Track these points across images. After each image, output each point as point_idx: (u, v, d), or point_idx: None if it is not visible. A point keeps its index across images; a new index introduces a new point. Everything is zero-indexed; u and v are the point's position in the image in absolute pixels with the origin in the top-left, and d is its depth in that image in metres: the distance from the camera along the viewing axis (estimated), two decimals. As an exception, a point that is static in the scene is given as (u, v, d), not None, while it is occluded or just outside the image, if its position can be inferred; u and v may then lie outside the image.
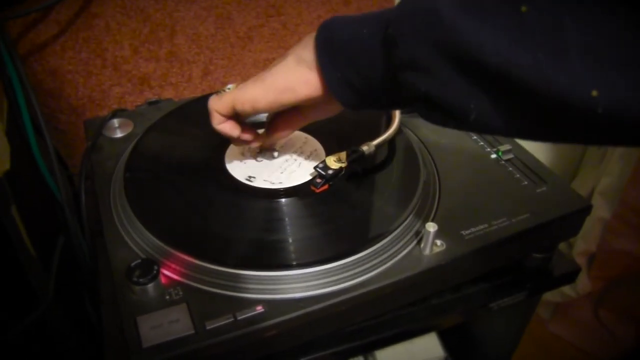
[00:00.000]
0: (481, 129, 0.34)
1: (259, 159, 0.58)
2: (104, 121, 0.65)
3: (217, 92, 0.50)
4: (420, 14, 0.33)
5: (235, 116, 0.50)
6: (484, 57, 0.30)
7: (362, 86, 0.41)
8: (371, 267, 0.47)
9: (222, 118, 0.50)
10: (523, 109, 0.31)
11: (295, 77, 0.44)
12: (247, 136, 0.53)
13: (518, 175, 0.58)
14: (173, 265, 0.46)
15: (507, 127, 0.33)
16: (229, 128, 0.51)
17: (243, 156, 0.58)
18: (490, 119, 0.33)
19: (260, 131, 0.55)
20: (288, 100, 0.45)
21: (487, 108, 0.32)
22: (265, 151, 0.58)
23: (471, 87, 0.32)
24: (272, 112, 0.52)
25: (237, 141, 0.54)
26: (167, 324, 0.42)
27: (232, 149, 0.59)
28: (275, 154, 0.58)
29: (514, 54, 0.29)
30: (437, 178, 0.57)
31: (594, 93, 0.26)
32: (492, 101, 0.32)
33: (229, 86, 0.51)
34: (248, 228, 0.50)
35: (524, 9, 0.28)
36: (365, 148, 0.56)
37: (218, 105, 0.49)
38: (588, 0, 0.27)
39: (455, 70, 0.32)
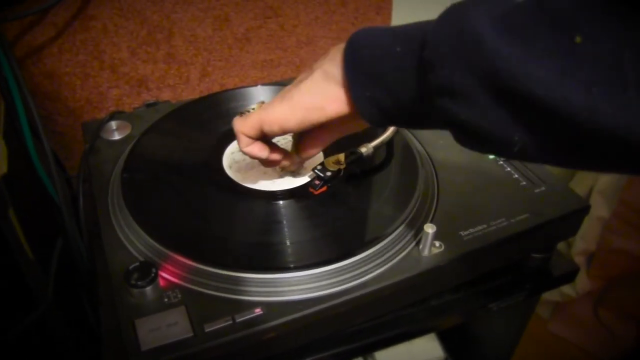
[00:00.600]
0: (523, 159, 0.32)
1: (295, 176, 0.57)
2: (102, 123, 0.65)
3: (240, 114, 0.49)
4: (460, 37, 0.30)
5: (263, 137, 0.48)
6: (531, 90, 0.28)
7: (391, 106, 0.38)
8: (370, 268, 0.47)
9: (250, 140, 0.48)
10: (572, 144, 0.29)
11: (323, 94, 0.42)
12: (276, 156, 0.51)
13: (516, 176, 0.58)
14: (171, 268, 0.46)
15: (551, 159, 0.31)
16: (258, 150, 0.48)
17: (242, 158, 0.58)
18: (535, 152, 0.31)
19: (282, 143, 0.52)
20: (317, 119, 0.43)
21: (532, 141, 0.30)
22: (299, 170, 0.57)
23: (515, 119, 0.30)
24: (300, 131, 0.48)
25: (267, 162, 0.52)
26: (166, 327, 0.42)
27: (230, 151, 0.59)
28: (277, 168, 0.57)
29: (564, 88, 0.27)
30: (435, 179, 0.57)
31: None
32: (537, 135, 0.30)
33: (253, 106, 0.50)
34: (246, 230, 0.50)
35: (578, 39, 0.26)
36: (363, 150, 0.56)
37: (244, 127, 0.47)
38: None
39: (498, 100, 0.30)
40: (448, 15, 0.32)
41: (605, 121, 0.26)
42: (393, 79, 0.37)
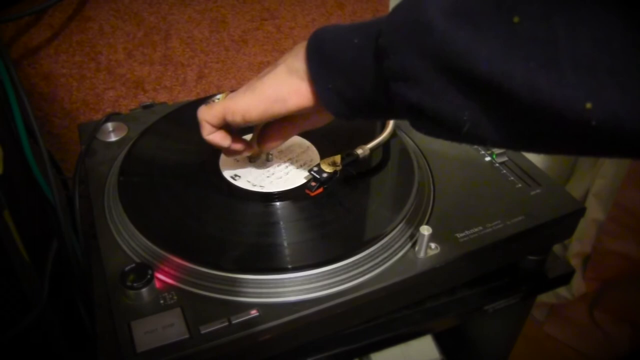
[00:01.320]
0: (474, 141, 0.34)
1: (252, 162, 0.58)
2: (98, 125, 0.65)
3: (206, 103, 0.50)
4: (411, 24, 0.32)
5: (226, 126, 0.50)
6: (476, 68, 0.29)
7: (353, 96, 0.40)
8: (366, 270, 0.47)
9: (213, 128, 0.49)
10: (515, 120, 0.30)
11: (286, 87, 0.43)
12: (238, 146, 0.53)
13: (512, 178, 0.58)
14: (167, 270, 0.46)
15: (500, 139, 0.32)
16: (220, 138, 0.50)
17: (238, 160, 0.58)
18: (483, 131, 0.32)
19: (247, 137, 0.55)
20: (279, 111, 0.44)
21: (480, 120, 0.32)
22: (256, 158, 0.58)
23: (463, 98, 0.31)
24: (262, 123, 0.51)
25: (228, 151, 0.53)
26: (162, 329, 0.42)
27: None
28: (270, 156, 0.58)
29: (506, 64, 0.28)
30: (431, 181, 0.57)
31: (588, 105, 0.26)
32: (484, 113, 0.31)
33: (218, 96, 0.51)
34: (242, 231, 0.50)
35: (516, 19, 0.28)
36: (359, 151, 0.56)
37: (208, 115, 0.48)
38: (582, 12, 0.26)
39: (447, 81, 0.31)
40: (401, 4, 0.34)
41: (543, 96, 0.27)
42: (353, 70, 0.39)
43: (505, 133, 0.32)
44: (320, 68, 0.41)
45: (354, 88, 0.40)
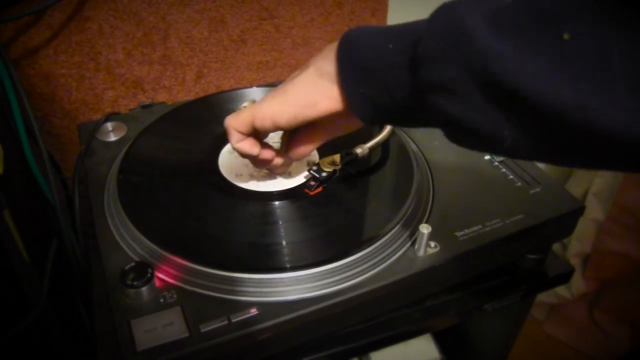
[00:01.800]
0: (513, 155, 0.33)
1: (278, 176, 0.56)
2: (98, 125, 0.65)
3: (234, 112, 0.48)
4: (452, 35, 0.31)
5: (255, 134, 0.48)
6: (521, 85, 0.28)
7: (384, 103, 0.39)
8: (365, 269, 0.47)
9: (241, 136, 0.47)
10: (561, 140, 0.29)
11: (317, 91, 0.42)
12: (267, 154, 0.50)
13: (512, 177, 0.58)
14: (167, 269, 0.46)
15: (541, 156, 0.32)
16: (249, 146, 0.48)
17: (237, 159, 0.58)
18: (525, 148, 0.31)
19: (274, 143, 0.53)
20: (310, 115, 0.43)
21: (523, 137, 0.30)
22: (283, 173, 0.56)
23: (505, 114, 0.30)
24: (292, 128, 0.48)
25: (257, 161, 0.51)
26: (162, 327, 0.42)
27: (225, 152, 0.59)
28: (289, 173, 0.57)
29: (554, 83, 0.27)
30: (430, 180, 0.57)
31: None
32: (527, 131, 0.30)
33: (245, 104, 0.50)
34: (242, 231, 0.50)
35: (566, 36, 0.27)
36: (359, 150, 0.56)
37: (236, 122, 0.47)
38: (637, 32, 0.25)
39: (489, 96, 0.30)
40: (440, 13, 0.33)
41: (593, 117, 0.26)
42: (386, 76, 0.37)
43: (547, 151, 0.31)
44: (351, 73, 0.39)
45: (387, 95, 0.38)
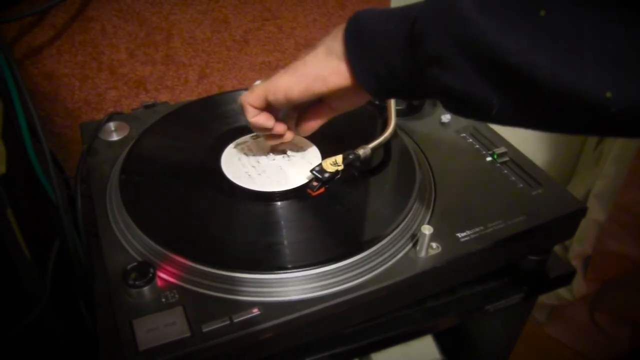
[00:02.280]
0: (500, 122, 0.36)
1: (256, 161, 0.58)
2: (100, 124, 0.65)
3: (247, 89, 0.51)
4: (445, 14, 0.35)
5: (268, 108, 0.51)
6: (504, 58, 0.32)
7: (388, 77, 0.42)
8: (367, 269, 0.47)
9: (256, 110, 0.51)
10: (541, 106, 0.33)
11: (326, 66, 0.45)
12: (280, 128, 0.54)
13: (513, 178, 0.58)
14: (169, 268, 0.46)
15: (525, 121, 0.35)
16: (264, 119, 0.51)
17: (239, 159, 0.58)
18: (510, 114, 0.35)
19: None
20: (320, 89, 0.46)
21: (508, 104, 0.34)
22: (277, 152, 0.59)
23: (492, 84, 0.34)
24: (302, 102, 0.51)
25: (271, 136, 0.55)
26: (163, 327, 0.42)
27: (228, 152, 0.59)
28: (272, 156, 0.58)
29: (533, 54, 0.31)
30: (432, 181, 0.57)
31: (608, 94, 0.28)
32: (512, 98, 0.34)
33: (257, 82, 0.51)
34: (244, 230, 0.50)
35: (542, 13, 0.30)
36: (361, 151, 0.56)
37: (251, 98, 0.50)
38: (607, 8, 0.28)
39: (478, 68, 0.34)
40: None
41: (567, 85, 0.30)
42: (389, 53, 0.41)
43: (530, 116, 0.34)
44: (357, 51, 0.43)
45: (390, 70, 0.42)
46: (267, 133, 0.54)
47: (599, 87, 0.29)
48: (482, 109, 0.35)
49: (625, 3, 0.27)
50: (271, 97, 0.49)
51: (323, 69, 0.45)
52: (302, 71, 0.47)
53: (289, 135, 0.56)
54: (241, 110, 0.52)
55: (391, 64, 0.41)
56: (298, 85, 0.47)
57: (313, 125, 0.54)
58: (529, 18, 0.31)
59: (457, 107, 0.38)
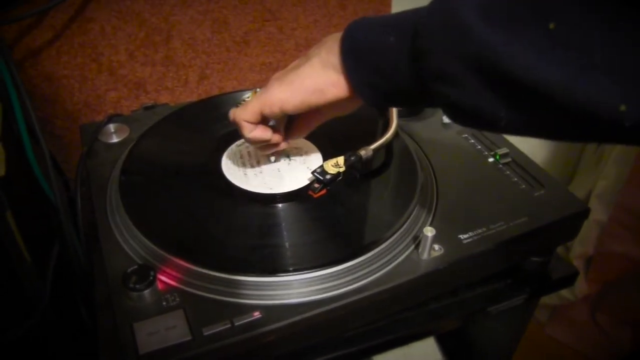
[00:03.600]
0: (509, 132, 0.36)
1: (257, 162, 0.58)
2: (100, 126, 0.65)
3: (236, 105, 0.50)
4: (449, 27, 0.34)
5: (263, 121, 0.50)
6: (513, 71, 0.31)
7: (390, 91, 0.42)
8: (369, 272, 0.47)
9: (252, 126, 0.50)
10: (551, 119, 0.32)
11: (323, 79, 0.44)
12: (276, 137, 0.53)
13: (516, 179, 0.58)
14: (170, 271, 0.46)
15: (535, 132, 0.34)
16: (261, 133, 0.51)
17: (240, 161, 0.58)
18: (520, 125, 0.34)
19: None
20: (317, 102, 0.46)
21: (517, 116, 0.33)
22: (276, 155, 0.58)
23: (500, 98, 0.33)
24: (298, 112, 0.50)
25: (267, 147, 0.54)
26: (164, 331, 0.41)
27: (229, 154, 0.59)
28: (272, 158, 0.58)
29: (542, 68, 0.30)
30: (434, 182, 0.57)
31: (622, 108, 0.28)
32: (521, 111, 0.33)
33: (246, 95, 0.51)
34: (245, 233, 0.50)
35: (551, 26, 0.29)
36: (362, 153, 0.56)
37: (245, 114, 0.49)
38: (617, 19, 0.28)
39: (485, 82, 0.33)
40: (435, 5, 0.36)
41: (579, 99, 0.29)
42: (389, 67, 0.40)
43: (540, 128, 0.34)
44: (355, 64, 0.42)
45: (391, 83, 0.41)
46: (264, 144, 0.53)
47: (613, 101, 0.28)
48: (490, 121, 0.35)
49: (636, 14, 0.27)
50: (267, 111, 0.48)
51: (320, 81, 0.45)
52: (297, 84, 0.46)
53: (283, 144, 0.55)
54: (236, 127, 0.51)
55: (392, 79, 0.40)
56: (294, 98, 0.46)
57: (304, 130, 0.54)
58: (537, 30, 0.30)
59: (464, 119, 0.37)
